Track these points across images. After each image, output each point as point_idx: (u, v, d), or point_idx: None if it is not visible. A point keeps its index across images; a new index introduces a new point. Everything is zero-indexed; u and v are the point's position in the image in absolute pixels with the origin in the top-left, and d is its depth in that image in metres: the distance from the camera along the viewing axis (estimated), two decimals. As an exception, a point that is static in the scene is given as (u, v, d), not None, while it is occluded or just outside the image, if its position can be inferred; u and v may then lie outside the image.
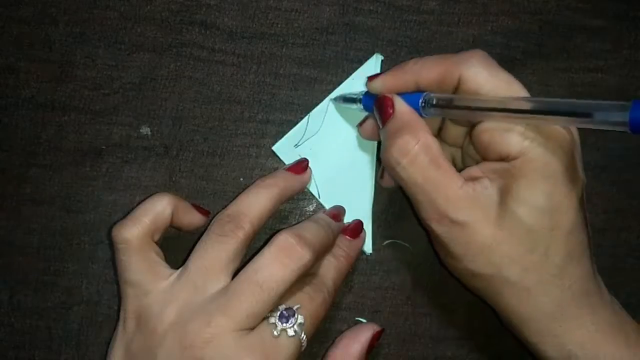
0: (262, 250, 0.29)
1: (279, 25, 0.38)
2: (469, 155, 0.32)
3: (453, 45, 0.38)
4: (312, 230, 0.31)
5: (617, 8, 0.39)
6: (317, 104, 0.37)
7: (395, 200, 0.36)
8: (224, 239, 0.30)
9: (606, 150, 0.38)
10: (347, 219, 0.36)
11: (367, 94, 0.34)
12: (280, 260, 0.29)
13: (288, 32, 0.38)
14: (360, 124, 0.35)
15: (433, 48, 0.38)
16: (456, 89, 0.30)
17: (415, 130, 0.29)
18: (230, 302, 0.28)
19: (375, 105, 0.32)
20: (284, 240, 0.29)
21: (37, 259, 0.35)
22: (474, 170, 0.30)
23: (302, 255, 0.29)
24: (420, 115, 0.30)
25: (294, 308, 0.29)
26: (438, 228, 0.30)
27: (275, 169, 0.36)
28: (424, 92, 0.31)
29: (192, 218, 0.33)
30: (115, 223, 0.31)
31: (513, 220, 0.28)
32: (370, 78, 0.33)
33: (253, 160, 0.37)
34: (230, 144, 0.37)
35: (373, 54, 0.37)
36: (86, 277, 0.35)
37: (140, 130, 0.37)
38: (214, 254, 0.30)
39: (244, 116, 0.37)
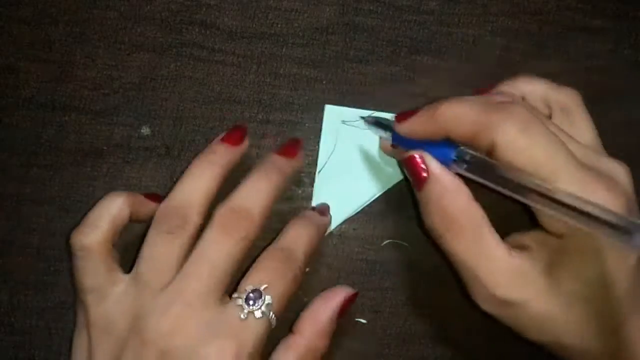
0: (205, 229, 0.29)
1: (279, 25, 0.38)
2: None
3: (453, 45, 0.38)
4: (252, 195, 0.30)
5: (617, 8, 0.39)
6: (317, 104, 0.37)
7: (395, 200, 0.36)
8: (170, 237, 0.29)
9: (607, 151, 0.38)
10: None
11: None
12: (223, 233, 0.29)
13: (288, 32, 0.38)
14: (385, 145, 0.35)
15: (433, 48, 0.38)
16: (490, 153, 0.28)
17: (457, 200, 0.28)
18: (183, 288, 0.28)
19: (406, 163, 0.30)
20: (222, 212, 0.29)
21: (37, 259, 0.35)
22: (523, 239, 0.29)
23: (244, 225, 0.29)
24: (448, 167, 0.29)
25: (261, 289, 0.28)
26: (487, 307, 0.29)
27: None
28: (456, 144, 0.28)
29: (148, 210, 0.32)
30: (72, 229, 0.30)
31: (566, 294, 0.27)
32: (398, 118, 0.31)
33: (253, 160, 0.37)
34: (230, 144, 0.37)
35: (373, 53, 0.37)
36: (86, 277, 0.35)
37: (141, 131, 0.37)
38: (163, 252, 0.29)
39: (244, 116, 0.37)
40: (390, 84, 0.37)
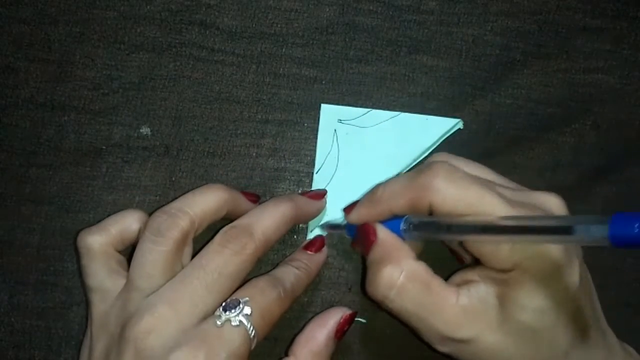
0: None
1: (279, 25, 0.38)
2: None
3: (453, 45, 0.38)
4: (256, 215, 0.30)
5: (617, 8, 0.39)
6: (316, 104, 0.37)
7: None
8: (158, 241, 0.29)
9: (607, 151, 0.38)
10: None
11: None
12: (221, 245, 0.29)
13: (288, 32, 0.37)
14: (352, 243, 0.34)
15: (433, 48, 0.38)
16: (431, 213, 0.29)
17: (397, 258, 0.29)
18: (174, 291, 0.28)
19: (357, 235, 0.32)
20: (225, 229, 0.30)
21: (37, 259, 0.35)
22: (469, 275, 0.30)
23: (241, 239, 0.29)
24: (403, 239, 0.30)
25: (241, 299, 0.28)
26: (443, 349, 0.29)
27: (276, 169, 0.36)
28: (404, 216, 0.30)
29: (246, 206, 0.33)
30: (72, 229, 0.31)
31: (515, 325, 0.28)
32: (347, 209, 0.33)
33: (253, 160, 0.37)
34: (230, 143, 0.37)
35: (373, 53, 0.37)
36: (86, 277, 0.35)
37: (140, 130, 0.37)
38: (150, 258, 0.29)
39: (244, 116, 0.37)
40: (390, 84, 0.37)
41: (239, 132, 0.37)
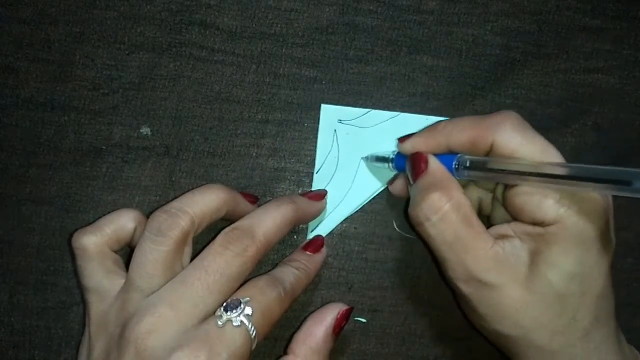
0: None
1: (279, 25, 0.38)
2: (498, 201, 0.32)
3: (453, 44, 0.38)
4: (257, 217, 0.30)
5: (617, 8, 0.39)
6: (316, 104, 0.37)
7: (397, 199, 0.36)
8: (158, 241, 0.29)
9: (607, 151, 0.38)
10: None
11: (399, 154, 0.33)
12: (222, 246, 0.29)
13: (288, 32, 0.37)
14: (391, 182, 0.35)
15: (433, 48, 0.38)
16: (488, 153, 0.30)
17: (447, 187, 0.29)
18: (175, 291, 0.28)
19: (409, 160, 0.32)
20: (227, 230, 0.29)
21: (37, 259, 0.36)
22: (504, 229, 0.30)
23: (243, 240, 0.29)
24: (453, 176, 0.30)
25: (242, 299, 0.28)
26: (465, 288, 0.29)
27: (276, 169, 0.36)
28: (457, 154, 0.30)
29: (245, 207, 0.33)
30: (72, 228, 0.31)
31: (543, 284, 0.28)
32: (401, 139, 0.33)
33: (253, 160, 0.37)
34: (230, 143, 0.37)
35: (373, 53, 0.37)
36: (86, 277, 0.35)
37: (140, 130, 0.37)
38: (150, 258, 0.29)
39: (244, 116, 0.37)
40: (390, 84, 0.37)
41: (239, 132, 0.37)
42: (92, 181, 0.36)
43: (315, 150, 0.37)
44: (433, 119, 0.37)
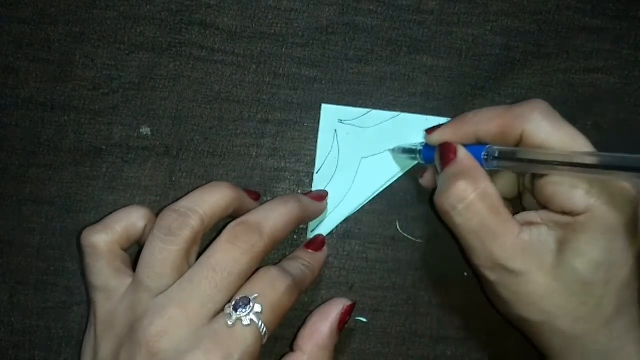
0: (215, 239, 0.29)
1: (279, 25, 0.38)
2: (527, 189, 0.32)
3: (453, 44, 0.38)
4: (264, 213, 0.30)
5: (617, 8, 0.39)
6: (316, 104, 0.37)
7: (397, 200, 0.36)
8: (168, 240, 0.29)
9: (607, 150, 0.38)
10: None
11: (427, 145, 0.34)
12: (230, 242, 0.28)
13: (288, 32, 0.37)
14: (421, 175, 0.35)
15: (433, 48, 0.38)
16: (518, 143, 0.30)
17: (475, 177, 0.29)
18: (184, 291, 0.28)
19: (437, 150, 0.32)
20: (233, 225, 0.29)
21: (37, 259, 0.35)
22: (533, 216, 0.30)
23: (251, 236, 0.29)
24: (482, 167, 0.30)
25: (251, 297, 0.28)
26: (491, 275, 0.30)
27: (276, 169, 0.36)
28: (486, 144, 0.30)
29: (249, 204, 0.33)
30: (86, 226, 0.31)
31: (569, 272, 0.28)
32: (429, 131, 0.33)
33: (253, 160, 0.37)
34: (230, 143, 0.37)
35: (373, 53, 0.37)
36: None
37: (140, 130, 0.37)
38: (160, 257, 0.29)
39: (244, 116, 0.37)
40: (390, 84, 0.37)
41: (239, 132, 0.37)
42: (93, 181, 0.36)
43: (315, 150, 0.37)
44: (433, 119, 0.37)
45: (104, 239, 0.30)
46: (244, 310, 0.27)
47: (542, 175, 0.29)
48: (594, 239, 0.28)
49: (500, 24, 0.38)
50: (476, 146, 0.31)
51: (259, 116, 0.37)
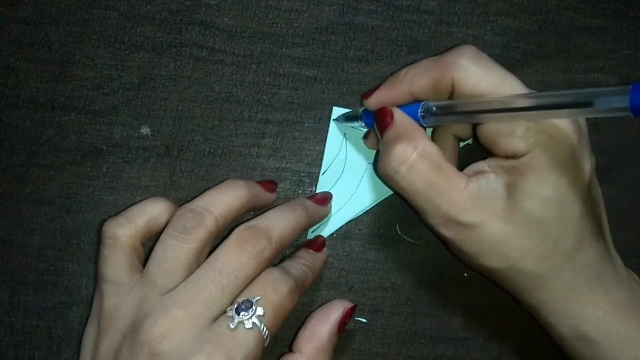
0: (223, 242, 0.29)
1: (279, 25, 0.37)
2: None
3: (453, 45, 0.38)
4: (273, 219, 0.30)
5: (617, 8, 0.39)
6: (316, 104, 0.37)
7: (398, 201, 0.36)
8: (182, 238, 0.29)
9: (607, 151, 0.38)
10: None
11: (366, 110, 0.34)
12: (238, 246, 0.28)
13: (288, 32, 0.37)
14: (365, 137, 0.35)
15: (433, 48, 0.38)
16: (452, 93, 0.30)
17: (412, 137, 0.29)
18: (189, 292, 0.28)
19: (375, 117, 0.32)
20: (242, 229, 0.29)
21: (37, 259, 0.35)
22: (481, 165, 0.30)
23: (259, 242, 0.29)
24: (421, 125, 0.30)
25: (253, 300, 0.27)
26: (447, 232, 0.29)
27: (277, 169, 0.36)
28: (422, 101, 0.30)
29: (264, 197, 0.33)
30: (108, 217, 0.31)
31: (522, 214, 0.28)
32: (365, 95, 0.33)
33: (254, 160, 0.37)
34: (230, 143, 0.37)
35: (373, 53, 0.37)
36: (86, 277, 0.35)
37: (141, 130, 0.37)
38: (171, 255, 0.29)
39: (244, 116, 0.37)
40: (390, 84, 0.37)
41: (239, 132, 0.37)
42: (93, 181, 0.36)
43: (315, 150, 0.37)
44: None
45: (126, 233, 0.30)
46: (246, 314, 0.27)
47: (482, 125, 0.29)
48: (540, 178, 0.28)
49: (500, 24, 0.38)
50: (412, 105, 0.30)
51: (259, 116, 0.37)
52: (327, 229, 0.36)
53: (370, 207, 0.36)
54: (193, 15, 0.37)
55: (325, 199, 0.35)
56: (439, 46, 0.38)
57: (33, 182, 0.36)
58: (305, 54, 0.37)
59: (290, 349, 0.30)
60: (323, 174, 0.36)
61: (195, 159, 0.36)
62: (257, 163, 0.37)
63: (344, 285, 0.36)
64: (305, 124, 0.37)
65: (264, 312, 0.27)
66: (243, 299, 0.28)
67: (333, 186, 0.36)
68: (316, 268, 0.33)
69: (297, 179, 0.37)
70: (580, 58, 0.38)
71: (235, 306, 0.27)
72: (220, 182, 0.32)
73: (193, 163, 0.36)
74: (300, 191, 0.36)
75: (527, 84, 0.37)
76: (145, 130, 0.37)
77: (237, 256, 0.28)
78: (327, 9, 0.38)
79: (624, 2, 0.39)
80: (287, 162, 0.37)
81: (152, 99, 0.37)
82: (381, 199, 0.36)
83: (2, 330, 0.35)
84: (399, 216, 0.36)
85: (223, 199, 0.30)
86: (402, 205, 0.36)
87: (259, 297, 0.28)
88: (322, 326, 0.30)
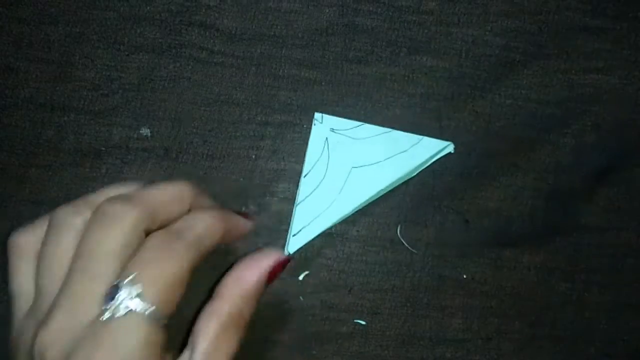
0: None
1: (279, 27, 0.37)
2: None
3: (453, 45, 0.38)
4: (143, 190, 0.27)
5: (617, 8, 0.39)
6: (316, 106, 0.37)
7: (396, 202, 0.36)
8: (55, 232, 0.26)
9: (607, 151, 0.38)
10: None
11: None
12: (101, 223, 0.25)
13: (287, 34, 0.37)
14: None
15: (432, 48, 0.38)
16: None
17: None
18: (62, 292, 0.24)
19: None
20: (103, 204, 0.26)
21: (37, 260, 0.36)
22: None
23: (123, 210, 0.25)
24: None
25: (120, 283, 0.23)
26: None
27: (276, 171, 0.36)
28: None
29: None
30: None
31: None
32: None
33: (252, 162, 0.37)
34: (229, 146, 0.37)
35: (373, 54, 0.37)
36: (86, 278, 0.35)
37: (140, 132, 0.37)
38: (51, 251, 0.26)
39: (243, 118, 0.37)
40: (390, 85, 0.37)
41: (238, 134, 0.37)
42: (92, 182, 0.36)
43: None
44: (424, 140, 0.37)
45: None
46: (115, 301, 0.23)
47: None
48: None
49: (500, 24, 0.38)
50: None
51: (259, 118, 0.37)
52: (308, 233, 0.36)
53: (354, 211, 0.36)
54: (193, 16, 0.37)
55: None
56: (438, 47, 0.38)
57: (32, 182, 0.36)
58: (304, 56, 0.37)
59: (209, 295, 0.26)
60: (305, 176, 0.36)
61: (194, 161, 0.36)
62: (256, 165, 0.37)
63: (343, 287, 0.36)
64: (305, 126, 0.37)
65: (142, 290, 0.23)
66: (110, 286, 0.23)
67: (315, 189, 0.36)
68: (228, 225, 0.27)
69: (296, 181, 0.37)
70: (580, 58, 0.38)
71: (105, 295, 0.23)
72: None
73: (192, 165, 0.36)
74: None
75: (527, 85, 0.38)
76: (144, 131, 0.37)
77: (101, 233, 0.24)
78: (327, 10, 0.38)
79: (624, 2, 0.39)
80: (286, 164, 0.37)
81: (152, 100, 0.37)
82: (365, 203, 0.36)
83: (2, 329, 0.35)
84: (397, 217, 0.36)
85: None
86: (402, 208, 0.36)
87: (131, 277, 0.23)
88: (250, 272, 0.26)
